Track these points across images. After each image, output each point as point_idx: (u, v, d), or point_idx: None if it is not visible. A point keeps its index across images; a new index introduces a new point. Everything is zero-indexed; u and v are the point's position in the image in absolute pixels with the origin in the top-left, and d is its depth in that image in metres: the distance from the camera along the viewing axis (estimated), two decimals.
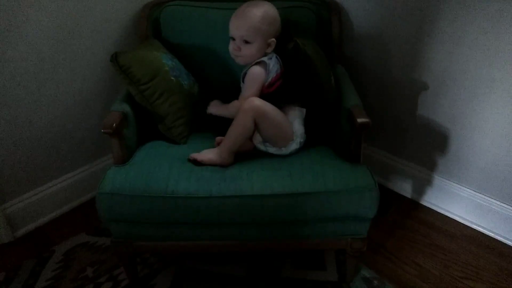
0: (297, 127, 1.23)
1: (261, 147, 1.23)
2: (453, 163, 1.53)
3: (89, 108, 1.57)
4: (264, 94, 1.23)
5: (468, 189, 1.52)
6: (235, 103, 1.25)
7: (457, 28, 1.31)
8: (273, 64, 1.25)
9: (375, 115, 1.65)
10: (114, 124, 1.13)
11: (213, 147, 1.22)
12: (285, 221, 1.13)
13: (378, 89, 1.62)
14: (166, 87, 1.24)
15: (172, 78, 1.27)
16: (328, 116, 1.29)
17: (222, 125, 1.25)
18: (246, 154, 1.21)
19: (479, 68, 1.32)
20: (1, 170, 1.41)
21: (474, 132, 1.43)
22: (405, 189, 1.70)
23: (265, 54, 1.26)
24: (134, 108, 1.25)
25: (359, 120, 1.12)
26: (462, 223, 1.56)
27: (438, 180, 1.59)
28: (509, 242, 1.47)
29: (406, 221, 1.59)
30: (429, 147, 1.56)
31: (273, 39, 1.25)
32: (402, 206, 1.66)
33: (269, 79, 1.24)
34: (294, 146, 1.21)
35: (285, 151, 1.21)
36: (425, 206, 1.65)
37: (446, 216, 1.60)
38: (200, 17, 1.44)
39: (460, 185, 1.54)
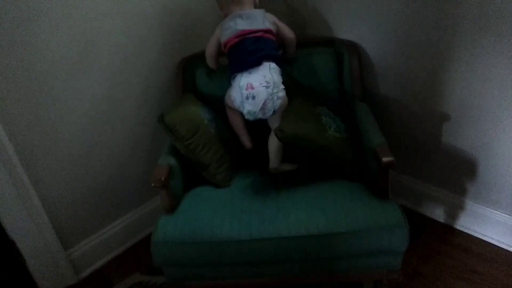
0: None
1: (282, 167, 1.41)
2: (483, 188, 1.57)
3: (136, 156, 1.74)
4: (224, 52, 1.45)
5: (501, 213, 1.55)
6: None
7: (474, 58, 1.38)
8: (227, 25, 1.42)
9: (400, 142, 1.72)
10: (163, 178, 1.27)
11: (252, 182, 1.39)
12: (320, 258, 1.23)
13: (402, 120, 1.69)
14: (207, 139, 1.39)
15: (212, 130, 1.42)
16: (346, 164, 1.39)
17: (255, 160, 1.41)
18: (277, 183, 1.38)
19: (497, 98, 1.38)
20: (65, 219, 1.58)
21: (500, 158, 1.47)
22: (438, 214, 1.74)
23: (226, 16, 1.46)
24: (179, 159, 1.39)
25: (384, 159, 1.20)
26: (499, 246, 1.59)
27: (470, 204, 1.63)
28: None
29: (440, 246, 1.63)
30: (456, 173, 1.61)
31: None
32: (436, 231, 1.70)
33: (223, 39, 1.42)
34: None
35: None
36: (459, 230, 1.69)
37: (482, 240, 1.63)
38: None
39: (493, 208, 1.57)
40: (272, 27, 1.44)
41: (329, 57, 1.59)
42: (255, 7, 1.49)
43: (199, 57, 1.62)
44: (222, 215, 1.26)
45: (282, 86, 1.36)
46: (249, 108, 1.34)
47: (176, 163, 1.37)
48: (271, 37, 1.42)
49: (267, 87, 1.32)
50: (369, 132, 1.36)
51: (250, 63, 1.35)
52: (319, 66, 1.59)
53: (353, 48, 1.62)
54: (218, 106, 1.54)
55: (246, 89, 1.33)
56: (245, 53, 1.37)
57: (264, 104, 1.33)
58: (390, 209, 1.21)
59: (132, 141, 1.70)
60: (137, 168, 1.76)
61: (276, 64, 1.39)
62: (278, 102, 1.33)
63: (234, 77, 1.39)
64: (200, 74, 1.62)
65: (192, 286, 1.35)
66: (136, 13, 1.53)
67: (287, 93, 1.38)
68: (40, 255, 1.55)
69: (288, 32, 1.51)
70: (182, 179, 1.41)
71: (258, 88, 1.32)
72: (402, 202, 1.81)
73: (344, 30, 1.68)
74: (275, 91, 1.33)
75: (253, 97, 1.32)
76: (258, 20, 1.41)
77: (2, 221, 1.43)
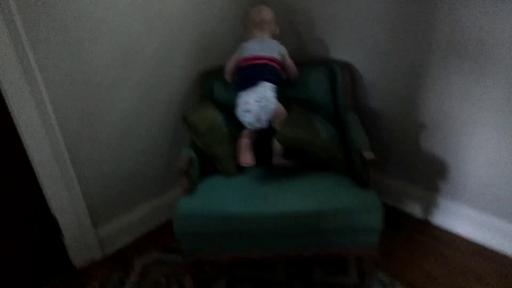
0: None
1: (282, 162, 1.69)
2: (454, 186, 1.85)
3: (159, 151, 2.03)
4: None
5: (468, 208, 1.83)
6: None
7: (443, 78, 1.68)
8: (245, 46, 1.78)
9: (384, 148, 2.01)
10: (185, 166, 1.56)
11: (258, 173, 1.68)
12: (312, 232, 1.50)
13: (385, 127, 1.98)
14: (221, 137, 1.69)
15: (225, 130, 1.71)
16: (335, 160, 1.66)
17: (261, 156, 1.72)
18: (279, 174, 1.64)
19: (465, 112, 1.67)
20: (96, 201, 1.86)
21: (468, 161, 1.76)
22: (415, 210, 2.02)
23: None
24: (197, 152, 1.68)
25: (367, 157, 1.49)
26: (464, 237, 1.86)
27: (442, 200, 1.91)
28: (504, 251, 1.75)
29: (417, 236, 1.90)
30: (432, 174, 1.90)
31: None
32: (413, 224, 1.97)
33: (240, 57, 1.78)
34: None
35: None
36: (433, 224, 1.96)
37: (451, 232, 1.90)
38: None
39: (462, 204, 1.85)
40: (279, 57, 1.77)
41: (324, 75, 1.90)
42: (273, 37, 1.85)
43: (216, 71, 1.95)
44: (232, 196, 1.54)
45: (274, 101, 1.68)
46: (247, 120, 1.70)
47: (195, 155, 1.66)
48: (275, 65, 1.76)
49: (260, 102, 1.67)
50: (357, 136, 1.65)
51: (249, 84, 1.71)
52: (316, 83, 1.89)
53: (346, 67, 1.93)
54: (231, 110, 1.84)
55: (244, 104, 1.69)
56: (248, 76, 1.74)
57: (258, 116, 1.67)
58: (369, 196, 1.49)
59: (156, 138, 2.00)
60: (159, 162, 2.04)
61: (274, 83, 1.72)
62: (270, 113, 1.66)
63: (238, 95, 1.73)
64: (217, 85, 1.92)
65: (204, 256, 1.61)
66: (165, 32, 1.85)
67: (287, 106, 1.69)
68: (74, 231, 1.82)
69: (291, 66, 1.84)
70: (199, 169, 1.69)
71: (252, 103, 1.67)
72: (385, 200, 2.08)
73: (339, 52, 2.00)
74: (266, 104, 1.66)
75: (249, 111, 1.68)
76: (270, 49, 1.77)
77: (48, 199, 1.71)
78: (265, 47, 1.78)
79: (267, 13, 1.84)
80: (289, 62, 1.84)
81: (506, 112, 1.56)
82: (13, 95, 1.48)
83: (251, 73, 1.73)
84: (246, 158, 1.68)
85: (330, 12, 1.95)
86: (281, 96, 1.76)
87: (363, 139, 1.61)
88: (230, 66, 1.85)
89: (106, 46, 1.67)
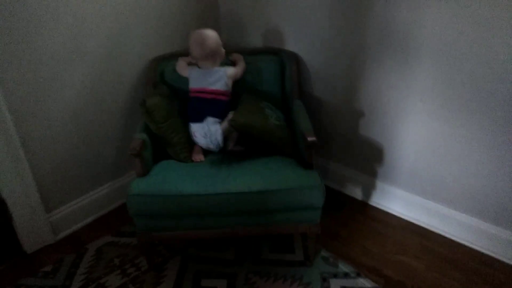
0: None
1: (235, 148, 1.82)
2: (388, 170, 2.03)
3: (113, 135, 2.06)
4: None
5: (400, 190, 2.02)
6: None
7: (378, 69, 1.85)
8: (194, 75, 1.87)
9: (328, 135, 2.17)
10: (138, 148, 1.61)
11: (211, 158, 1.78)
12: (259, 211, 1.61)
13: (328, 115, 2.14)
14: (176, 125, 1.77)
15: (180, 119, 1.79)
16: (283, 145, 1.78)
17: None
18: (230, 158, 1.75)
19: (396, 100, 1.85)
20: (47, 185, 1.87)
21: (401, 147, 1.94)
22: (356, 192, 2.19)
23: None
24: (150, 136, 1.74)
25: (309, 139, 1.62)
26: (397, 216, 2.06)
27: (379, 184, 2.09)
28: (429, 227, 1.96)
29: (357, 216, 2.07)
30: (370, 158, 2.07)
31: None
32: (354, 206, 2.15)
33: (189, 85, 1.87)
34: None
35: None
36: (371, 205, 2.15)
37: (387, 211, 2.09)
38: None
39: (395, 187, 2.04)
40: (227, 88, 1.83)
41: (275, 64, 2.02)
42: (220, 59, 1.87)
43: (168, 57, 2.02)
44: (185, 177, 1.62)
45: (219, 131, 1.77)
46: (203, 145, 1.82)
47: (148, 139, 1.72)
48: (222, 98, 1.83)
49: (205, 137, 1.79)
50: (301, 120, 1.79)
51: (196, 119, 1.81)
52: (267, 70, 2.00)
53: (293, 57, 2.06)
54: (182, 96, 1.91)
55: (193, 135, 1.82)
56: (195, 110, 1.83)
57: (207, 145, 1.80)
58: (312, 176, 1.62)
59: (109, 122, 2.03)
60: (112, 146, 2.08)
61: (220, 117, 1.79)
62: (219, 138, 1.77)
63: (188, 124, 1.83)
64: (168, 71, 1.99)
65: (157, 236, 1.68)
66: (117, 17, 1.88)
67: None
68: (25, 215, 1.82)
69: (241, 72, 1.92)
70: (152, 152, 1.76)
71: (199, 138, 1.80)
72: (329, 184, 2.25)
73: (288, 43, 2.12)
74: (212, 138, 1.78)
75: (199, 142, 1.82)
76: (218, 81, 1.82)
77: None
78: (213, 79, 1.82)
79: (212, 41, 1.81)
80: (240, 72, 1.91)
81: (430, 99, 1.74)
82: None
83: (198, 108, 1.82)
84: (199, 157, 1.80)
85: (279, 4, 2.07)
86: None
87: (307, 124, 1.74)
88: (180, 73, 1.93)
89: (56, 29, 1.68)
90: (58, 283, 1.73)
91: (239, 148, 1.86)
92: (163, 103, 1.76)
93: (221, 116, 1.81)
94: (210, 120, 1.79)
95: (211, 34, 1.83)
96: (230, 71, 1.86)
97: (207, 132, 1.78)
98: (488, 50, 1.52)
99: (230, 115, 1.75)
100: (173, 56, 2.03)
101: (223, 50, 1.88)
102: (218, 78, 1.83)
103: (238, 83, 1.92)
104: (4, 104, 1.61)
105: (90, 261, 1.84)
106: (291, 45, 2.12)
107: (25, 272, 1.79)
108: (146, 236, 1.67)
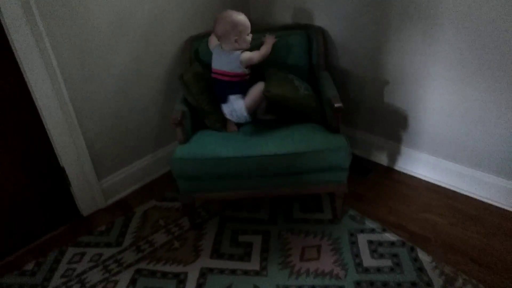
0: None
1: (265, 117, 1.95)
2: (412, 136, 2.13)
3: (155, 107, 2.25)
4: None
5: (424, 154, 2.12)
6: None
7: (401, 39, 1.94)
8: (214, 54, 1.95)
9: (354, 104, 2.28)
10: (179, 117, 1.79)
11: (244, 126, 1.94)
12: (291, 172, 1.76)
13: (354, 85, 2.24)
14: (211, 98, 1.93)
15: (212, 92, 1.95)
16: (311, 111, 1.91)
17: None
18: (262, 126, 1.89)
19: (420, 67, 1.94)
20: (99, 154, 2.08)
21: (424, 112, 2.03)
22: (382, 159, 2.30)
23: None
24: (189, 107, 1.91)
25: (336, 105, 1.75)
26: (422, 179, 2.16)
27: (404, 149, 2.19)
28: (453, 188, 2.06)
29: (382, 180, 2.19)
30: (395, 125, 2.17)
31: None
32: (380, 171, 2.26)
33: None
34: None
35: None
36: (396, 170, 2.25)
37: (412, 175, 2.19)
38: None
39: (419, 151, 2.13)
40: (241, 70, 1.88)
41: (302, 38, 2.13)
42: (235, 45, 1.87)
43: (202, 36, 2.17)
44: (221, 143, 1.79)
45: (243, 108, 1.87)
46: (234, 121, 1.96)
47: (187, 110, 1.89)
48: (237, 79, 1.89)
49: (231, 115, 1.92)
50: (327, 89, 1.91)
51: (220, 100, 1.93)
52: (295, 45, 2.12)
53: (320, 31, 2.16)
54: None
55: (224, 113, 1.94)
56: (217, 92, 1.94)
57: (238, 119, 1.92)
58: (338, 139, 1.75)
59: (152, 96, 2.22)
60: (155, 118, 2.27)
61: (240, 93, 1.89)
62: (245, 114, 1.88)
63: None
64: (201, 49, 2.14)
65: (198, 197, 1.87)
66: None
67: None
68: (80, 182, 2.05)
69: (261, 57, 1.91)
70: (191, 122, 1.93)
71: (228, 114, 1.93)
72: (355, 151, 2.36)
73: (315, 19, 2.23)
74: (237, 114, 1.90)
75: (230, 118, 1.95)
76: (231, 64, 1.87)
77: (57, 151, 1.92)
78: (227, 61, 1.87)
79: (219, 26, 1.84)
80: (257, 58, 1.89)
81: (454, 64, 1.82)
82: (24, 55, 1.68)
83: (218, 90, 1.93)
84: (233, 127, 1.95)
85: None
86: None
87: (333, 91, 1.86)
88: (210, 46, 2.04)
89: (103, 10, 1.86)
90: (112, 240, 1.96)
91: (269, 117, 2.01)
92: (199, 78, 1.92)
93: (242, 92, 1.90)
94: (232, 98, 1.89)
95: (224, 19, 1.84)
96: (244, 56, 1.86)
97: (232, 111, 1.90)
98: (509, 14, 1.58)
99: (260, 86, 1.87)
100: (206, 36, 2.17)
101: (238, 36, 1.84)
102: (231, 61, 1.86)
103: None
104: (62, 81, 1.82)
105: (138, 222, 2.05)
106: (317, 21, 2.22)
107: (83, 232, 2.02)
108: (188, 197, 1.86)
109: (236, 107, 1.89)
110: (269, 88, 1.81)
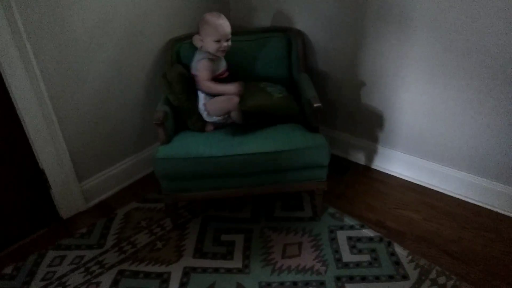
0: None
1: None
2: (388, 135, 2.21)
3: (137, 109, 2.26)
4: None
5: (400, 153, 2.20)
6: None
7: (377, 42, 2.02)
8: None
9: (332, 106, 2.34)
10: (161, 118, 1.80)
11: (226, 128, 1.94)
12: (272, 170, 1.80)
13: (332, 87, 2.31)
14: (192, 98, 1.94)
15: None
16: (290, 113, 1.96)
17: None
18: (243, 127, 1.90)
19: (395, 70, 2.02)
20: (80, 156, 2.07)
21: (400, 113, 2.11)
22: (359, 158, 2.38)
23: None
24: (171, 109, 1.93)
25: (315, 105, 1.80)
26: (397, 176, 2.24)
27: (380, 148, 2.27)
28: (426, 184, 2.15)
29: (360, 179, 2.26)
30: (371, 125, 2.25)
31: None
32: (358, 170, 2.33)
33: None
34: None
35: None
36: (373, 169, 2.33)
37: (388, 174, 2.27)
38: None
39: (395, 150, 2.22)
40: (195, 73, 1.92)
41: (282, 41, 2.18)
42: (201, 47, 1.93)
43: (183, 39, 2.19)
44: (203, 143, 1.81)
45: (201, 104, 1.91)
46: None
47: (169, 110, 1.91)
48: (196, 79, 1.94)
49: (202, 113, 1.95)
50: (307, 90, 1.96)
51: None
52: (274, 47, 2.17)
53: (299, 34, 2.22)
54: None
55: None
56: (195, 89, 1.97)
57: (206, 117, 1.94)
58: (318, 137, 1.80)
59: (133, 97, 2.22)
60: (137, 120, 2.27)
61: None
62: (203, 112, 1.92)
63: None
64: (183, 51, 2.16)
65: (181, 197, 1.89)
66: (139, 1, 2.06)
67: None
68: (60, 184, 2.03)
69: (209, 84, 1.90)
70: (173, 123, 1.95)
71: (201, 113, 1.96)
72: (333, 151, 2.41)
73: (294, 22, 2.29)
74: (202, 111, 1.93)
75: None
76: (193, 62, 1.95)
77: (36, 153, 1.90)
78: (193, 59, 1.96)
79: (200, 22, 1.92)
80: (204, 81, 1.89)
81: (426, 66, 1.91)
82: (2, 54, 1.66)
83: (194, 87, 1.96)
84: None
85: None
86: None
87: (313, 92, 1.92)
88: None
89: (84, 12, 1.87)
90: (93, 242, 1.94)
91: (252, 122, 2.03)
92: (182, 78, 1.94)
93: (204, 92, 1.93)
94: (199, 94, 1.93)
95: (204, 16, 1.91)
96: (200, 64, 1.90)
97: (200, 108, 1.94)
98: (477, 19, 1.68)
99: (225, 98, 1.87)
100: (187, 38, 2.20)
101: (203, 38, 1.90)
102: (194, 60, 1.96)
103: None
104: (43, 83, 1.80)
105: (120, 223, 2.05)
106: (297, 24, 2.28)
107: (63, 234, 2.00)
108: (171, 196, 1.87)
109: (200, 104, 1.94)
110: (244, 102, 1.84)
